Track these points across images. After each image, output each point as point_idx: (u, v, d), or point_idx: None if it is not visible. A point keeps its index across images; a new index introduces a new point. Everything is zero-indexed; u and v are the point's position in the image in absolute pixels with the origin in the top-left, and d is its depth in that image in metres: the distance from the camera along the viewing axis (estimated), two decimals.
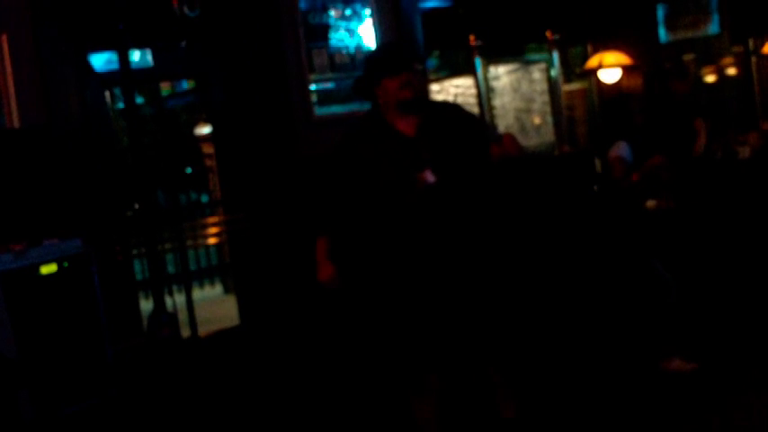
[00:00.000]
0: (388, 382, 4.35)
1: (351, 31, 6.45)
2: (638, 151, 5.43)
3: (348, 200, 3.85)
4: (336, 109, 6.36)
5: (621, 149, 5.47)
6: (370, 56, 4.12)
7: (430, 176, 3.66)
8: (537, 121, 8.45)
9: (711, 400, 4.38)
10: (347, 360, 5.62)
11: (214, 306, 7.71)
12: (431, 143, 3.71)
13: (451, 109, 4.03)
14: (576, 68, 8.74)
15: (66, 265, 4.67)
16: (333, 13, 6.37)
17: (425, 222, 3.70)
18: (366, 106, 6.43)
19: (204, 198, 9.22)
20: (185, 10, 5.78)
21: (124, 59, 5.55)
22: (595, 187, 7.19)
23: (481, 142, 3.85)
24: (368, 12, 6.48)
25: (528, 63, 8.52)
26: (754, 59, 7.44)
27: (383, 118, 3.81)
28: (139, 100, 8.16)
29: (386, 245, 3.77)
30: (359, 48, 6.47)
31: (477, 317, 3.80)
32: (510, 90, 8.38)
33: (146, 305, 6.24)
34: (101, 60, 5.91)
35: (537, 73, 8.53)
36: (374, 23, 6.48)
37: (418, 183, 3.67)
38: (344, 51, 6.42)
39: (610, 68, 7.76)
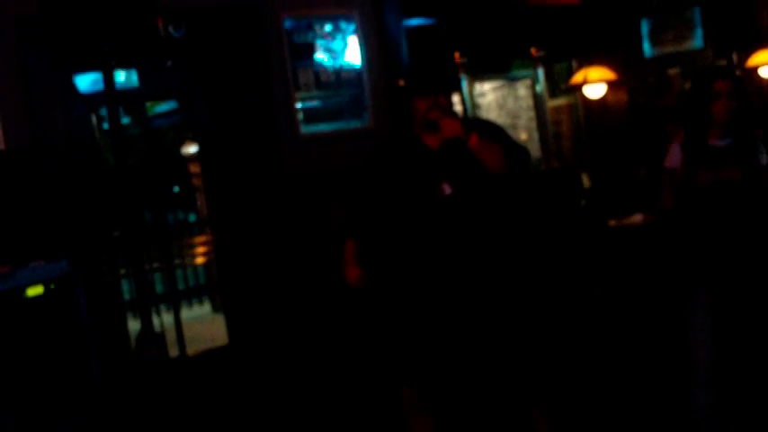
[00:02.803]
0: (387, 392, 4.39)
1: (336, 50, 6.46)
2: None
3: (376, 206, 4.08)
4: (322, 127, 6.37)
5: (673, 157, 4.08)
6: (407, 74, 4.31)
7: (447, 188, 3.90)
8: (523, 136, 8.48)
9: None
10: (337, 378, 5.62)
11: (202, 325, 7.70)
12: (451, 157, 3.89)
13: (479, 125, 4.10)
14: (561, 84, 8.79)
15: (52, 286, 4.65)
16: (318, 31, 6.38)
17: (440, 232, 3.92)
18: (353, 124, 6.52)
19: (191, 217, 9.21)
20: (171, 30, 5.78)
21: (109, 80, 5.54)
22: (582, 202, 7.22)
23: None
24: (353, 30, 6.50)
25: (513, 79, 8.56)
26: (737, 74, 7.48)
27: (412, 132, 4.03)
28: (125, 120, 8.16)
29: (405, 251, 3.99)
30: (344, 66, 6.48)
31: (485, 325, 3.95)
32: (495, 106, 8.41)
33: (133, 325, 6.21)
34: (86, 81, 5.91)
35: (522, 89, 8.57)
36: (359, 41, 6.50)
37: (436, 194, 3.89)
38: (330, 69, 6.44)
39: (594, 84, 7.80)
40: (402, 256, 4.00)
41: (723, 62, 7.53)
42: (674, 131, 4.51)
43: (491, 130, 4.00)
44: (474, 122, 4.26)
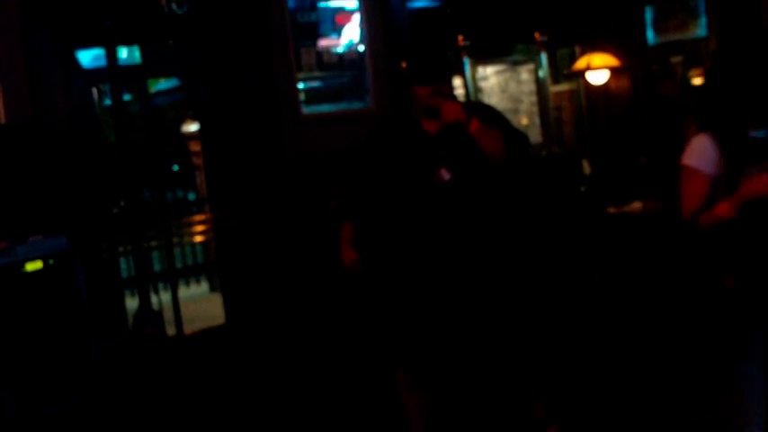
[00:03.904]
0: (382, 373, 4.40)
1: (339, 31, 6.44)
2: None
3: (373, 189, 4.04)
4: (324, 108, 6.36)
5: (702, 154, 3.01)
6: (407, 60, 4.29)
7: (445, 174, 3.86)
8: (525, 121, 8.46)
9: None
10: (332, 359, 5.62)
11: (200, 304, 7.70)
12: (450, 143, 3.86)
13: (479, 109, 4.07)
14: (563, 70, 8.75)
15: (51, 262, 4.65)
16: (321, 11, 6.36)
17: (438, 218, 3.88)
18: (355, 106, 6.51)
19: (191, 196, 9.21)
20: (173, 7, 5.77)
21: (112, 56, 5.54)
22: (582, 188, 7.22)
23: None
24: (356, 11, 6.47)
25: (516, 64, 8.53)
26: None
27: (412, 116, 3.98)
28: (127, 97, 8.14)
29: (401, 236, 3.95)
30: (347, 47, 6.46)
31: (482, 312, 3.93)
32: (498, 91, 8.38)
33: (131, 303, 6.23)
34: (88, 57, 5.90)
35: (525, 74, 8.54)
36: (362, 23, 6.48)
37: (434, 179, 3.85)
38: (332, 50, 6.41)
39: (597, 70, 7.77)
40: (398, 242, 3.97)
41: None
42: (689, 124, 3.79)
43: (491, 116, 3.98)
44: (474, 107, 4.23)
